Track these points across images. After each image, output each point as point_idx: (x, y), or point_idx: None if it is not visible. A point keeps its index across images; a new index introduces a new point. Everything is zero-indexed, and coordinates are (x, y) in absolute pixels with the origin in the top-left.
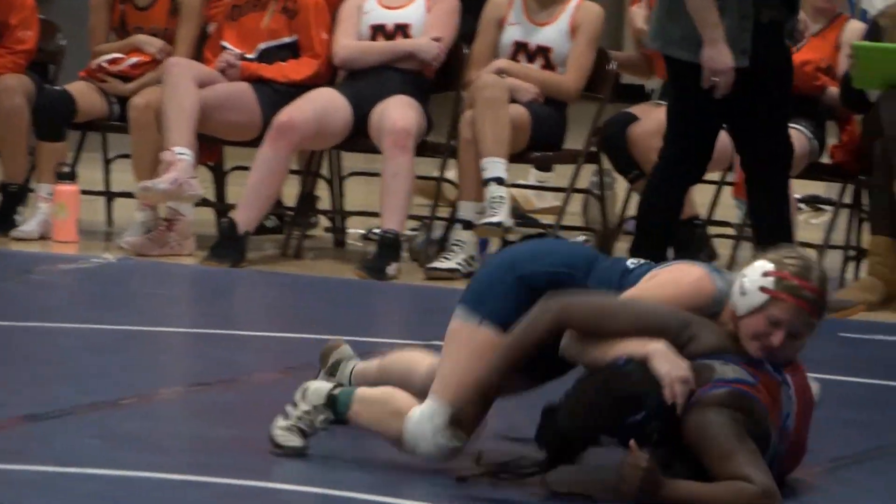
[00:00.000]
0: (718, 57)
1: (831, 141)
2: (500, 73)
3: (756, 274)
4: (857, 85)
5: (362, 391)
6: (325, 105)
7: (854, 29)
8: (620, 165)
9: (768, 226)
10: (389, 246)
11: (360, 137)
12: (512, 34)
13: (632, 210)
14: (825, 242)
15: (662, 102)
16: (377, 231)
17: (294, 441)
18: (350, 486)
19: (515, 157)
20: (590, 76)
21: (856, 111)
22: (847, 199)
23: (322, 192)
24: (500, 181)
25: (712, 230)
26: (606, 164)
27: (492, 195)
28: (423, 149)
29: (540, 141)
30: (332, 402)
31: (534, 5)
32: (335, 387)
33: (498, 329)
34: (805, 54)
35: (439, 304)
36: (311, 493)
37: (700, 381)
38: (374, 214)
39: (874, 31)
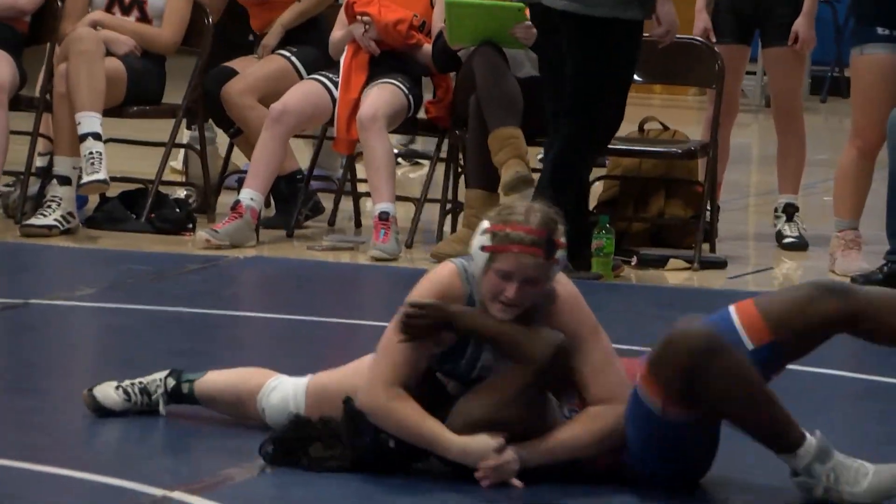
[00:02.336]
0: (673, 11)
1: (427, 96)
2: (95, 25)
3: (477, 235)
4: (452, 42)
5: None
6: None
7: None
8: (221, 121)
9: None
10: None
11: None
12: None
13: (234, 165)
14: (423, 196)
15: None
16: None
17: (110, 399)
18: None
19: (112, 112)
20: (188, 29)
21: (446, 71)
22: (443, 154)
23: None
24: (96, 136)
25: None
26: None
27: (88, 150)
28: (17, 103)
29: (138, 95)
30: (177, 374)
31: None
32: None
33: None
34: (398, 13)
35: (35, 261)
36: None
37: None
38: None
39: None
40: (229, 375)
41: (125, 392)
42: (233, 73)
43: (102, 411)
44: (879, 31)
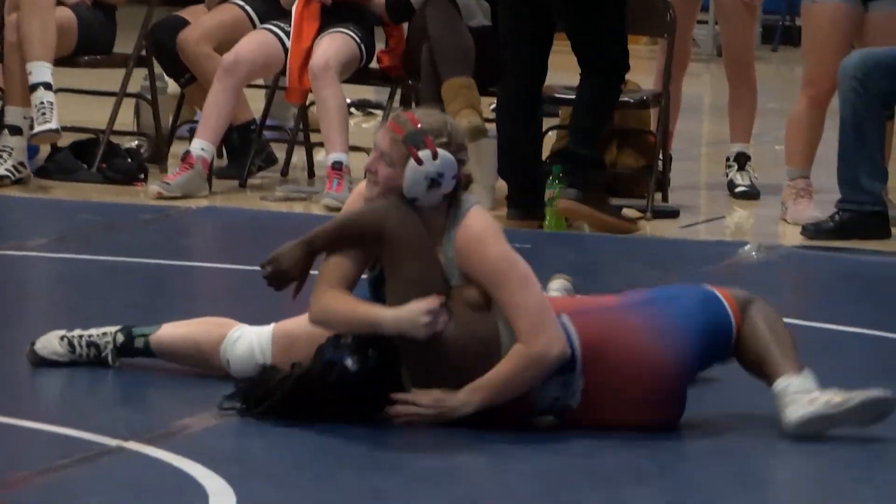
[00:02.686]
0: None
1: (379, 46)
2: None
3: None
4: None
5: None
6: None
7: None
8: (172, 70)
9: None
10: None
11: None
12: None
13: (185, 115)
14: None
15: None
16: None
17: (53, 350)
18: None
19: (63, 62)
20: None
21: (400, 21)
22: (396, 103)
23: None
24: (47, 86)
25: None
26: (158, 68)
27: (39, 100)
28: None
29: (89, 44)
30: (127, 329)
31: None
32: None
33: None
34: None
35: None
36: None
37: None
38: None
39: None
40: (188, 327)
41: (69, 343)
42: (184, 22)
43: (43, 362)
44: None
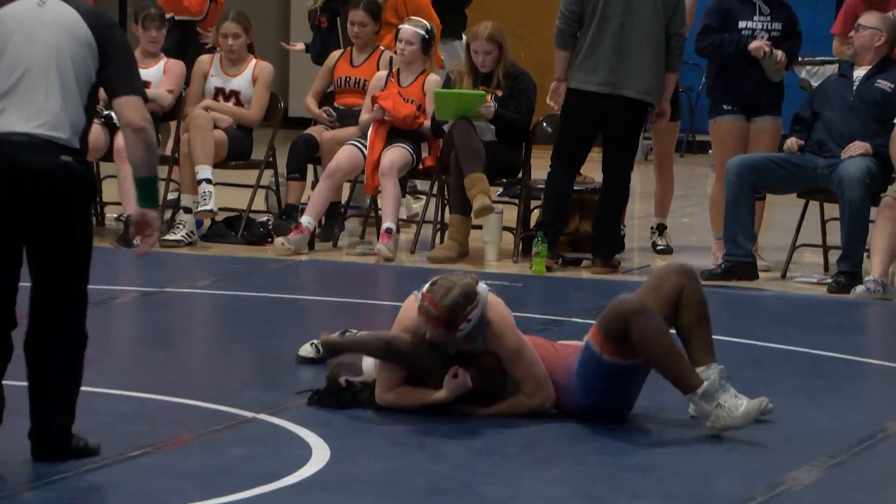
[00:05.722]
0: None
1: (424, 154)
2: (206, 108)
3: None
4: (438, 117)
5: None
6: None
7: (432, 80)
8: (289, 169)
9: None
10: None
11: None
12: (213, 82)
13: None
14: (422, 219)
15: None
16: (126, 214)
17: (307, 352)
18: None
19: (218, 165)
20: (266, 110)
21: (437, 137)
22: (435, 191)
23: None
24: (208, 181)
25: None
26: (280, 167)
27: (203, 191)
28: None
29: (235, 153)
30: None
31: (227, 63)
32: None
33: None
34: (408, 108)
35: (168, 263)
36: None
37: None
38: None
39: (447, 81)
40: None
41: (316, 347)
42: (312, 137)
43: (303, 361)
44: (725, 107)
